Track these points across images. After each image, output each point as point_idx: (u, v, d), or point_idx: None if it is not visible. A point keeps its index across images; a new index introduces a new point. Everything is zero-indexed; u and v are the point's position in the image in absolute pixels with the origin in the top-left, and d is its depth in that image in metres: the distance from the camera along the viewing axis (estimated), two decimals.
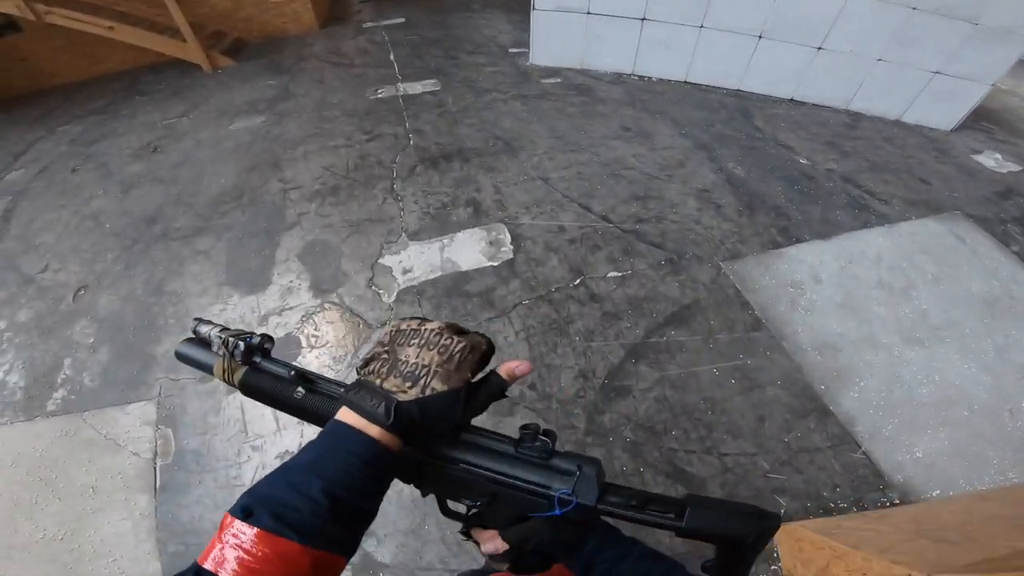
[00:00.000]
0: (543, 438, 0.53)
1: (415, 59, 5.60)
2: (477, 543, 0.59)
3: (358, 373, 0.55)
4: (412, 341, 0.53)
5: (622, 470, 2.03)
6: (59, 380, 2.56)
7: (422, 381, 0.50)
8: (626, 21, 4.77)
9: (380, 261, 2.97)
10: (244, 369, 0.60)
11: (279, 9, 6.62)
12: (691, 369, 2.37)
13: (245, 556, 0.37)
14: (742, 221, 3.22)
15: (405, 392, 0.49)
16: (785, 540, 1.76)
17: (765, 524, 0.45)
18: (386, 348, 0.54)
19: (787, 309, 2.63)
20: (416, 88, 4.92)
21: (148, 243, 3.29)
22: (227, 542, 0.38)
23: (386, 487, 0.49)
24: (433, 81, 5.03)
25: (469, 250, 3.02)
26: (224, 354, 0.60)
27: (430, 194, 3.46)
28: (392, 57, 5.70)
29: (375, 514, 0.47)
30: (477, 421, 0.55)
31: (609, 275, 2.86)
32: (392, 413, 0.47)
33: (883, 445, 2.12)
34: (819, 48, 4.52)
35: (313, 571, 0.39)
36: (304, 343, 2.60)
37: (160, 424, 2.33)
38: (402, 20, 6.91)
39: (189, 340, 0.66)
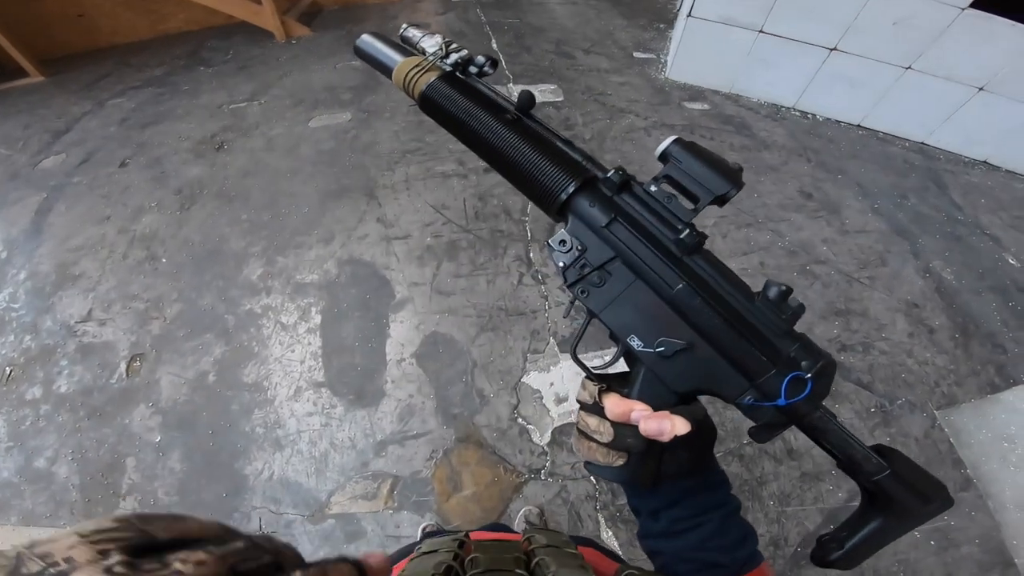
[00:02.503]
0: (795, 301, 0.42)
1: (523, 52, 4.67)
2: (599, 412, 0.44)
3: None
4: None
5: None
6: (124, 486, 1.98)
7: None
8: (808, 48, 3.82)
9: (525, 380, 2.24)
10: (436, 75, 0.51)
11: None
12: None
13: None
14: (957, 354, 2.55)
15: None
16: None
17: (945, 503, 0.42)
18: None
19: (998, 466, 2.27)
20: (534, 95, 4.04)
21: (214, 299, 2.57)
22: None
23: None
24: (552, 87, 4.14)
25: None
26: (435, 54, 0.51)
27: None
28: (495, 45, 4.79)
29: None
30: None
31: None
32: None
33: None
34: None
35: None
36: (437, 488, 1.95)
37: None
38: None
39: (375, 33, 0.57)
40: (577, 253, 0.47)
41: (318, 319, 2.48)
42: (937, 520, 1.95)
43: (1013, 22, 3.39)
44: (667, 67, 4.43)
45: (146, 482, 2.00)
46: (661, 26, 5.30)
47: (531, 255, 2.73)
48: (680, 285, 0.43)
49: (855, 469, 0.44)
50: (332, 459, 2.03)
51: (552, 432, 2.08)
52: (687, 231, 0.44)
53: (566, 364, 2.29)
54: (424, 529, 1.83)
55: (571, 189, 0.47)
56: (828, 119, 4.14)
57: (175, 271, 2.73)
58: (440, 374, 2.28)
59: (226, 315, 2.51)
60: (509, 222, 2.91)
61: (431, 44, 0.52)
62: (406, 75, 0.53)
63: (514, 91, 4.07)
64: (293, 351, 2.36)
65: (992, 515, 2.10)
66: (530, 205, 3.04)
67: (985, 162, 4.01)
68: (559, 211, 0.49)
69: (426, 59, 0.53)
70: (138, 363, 2.35)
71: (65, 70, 4.82)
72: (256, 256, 2.79)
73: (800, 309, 0.43)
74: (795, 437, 2.16)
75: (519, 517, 1.89)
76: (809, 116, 4.15)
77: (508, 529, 0.68)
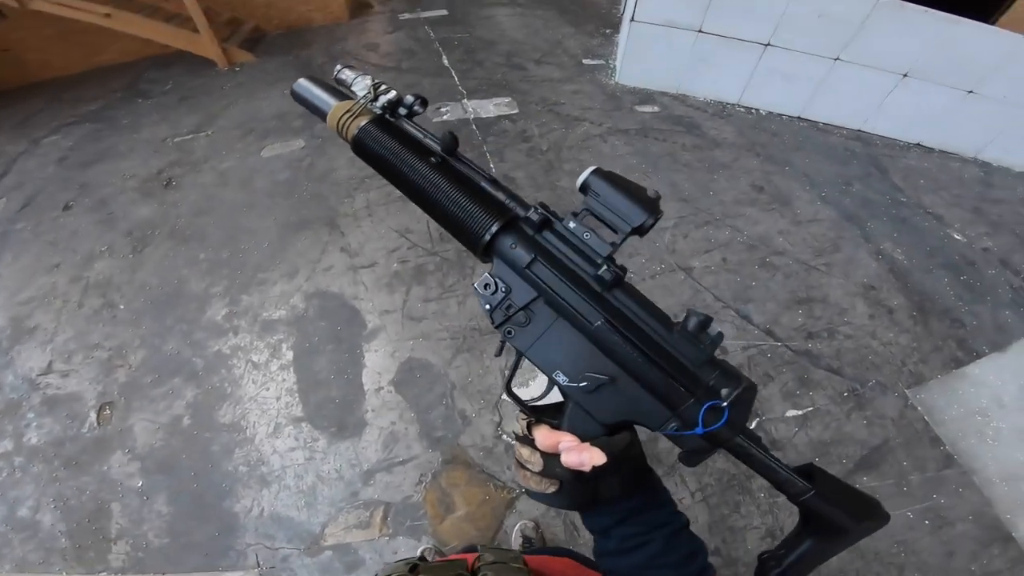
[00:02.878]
0: (712, 333, 0.43)
1: (475, 67, 4.70)
2: (530, 443, 0.47)
3: None
4: None
5: None
6: (113, 531, 1.95)
7: None
8: (745, 45, 3.99)
9: (505, 397, 2.24)
10: (367, 119, 0.53)
11: None
12: None
13: None
14: (918, 331, 2.68)
15: None
16: None
17: (880, 519, 0.44)
18: None
19: (976, 441, 2.35)
20: (488, 109, 4.05)
21: (179, 343, 2.49)
22: None
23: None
24: (507, 100, 4.17)
25: None
26: (365, 97, 0.53)
27: None
28: (446, 62, 4.79)
29: None
30: None
31: (788, 415, 2.28)
32: None
33: None
34: (969, 92, 3.89)
35: None
36: (430, 512, 1.95)
37: None
38: (444, 13, 5.94)
39: (311, 78, 0.59)
40: (502, 295, 0.48)
41: (290, 355, 2.43)
42: (925, 500, 2.08)
43: (925, 8, 3.63)
44: (616, 72, 4.54)
45: (134, 526, 1.95)
46: (607, 31, 5.42)
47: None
48: (599, 321, 0.44)
49: (782, 490, 0.46)
50: (321, 491, 2.01)
51: None
52: (605, 267, 0.45)
53: (543, 376, 2.31)
54: (422, 553, 1.82)
55: (493, 230, 0.48)
56: (771, 113, 4.32)
57: (135, 317, 2.62)
58: (420, 399, 2.27)
59: (194, 358, 2.44)
60: None
61: (361, 87, 0.53)
62: (339, 120, 0.54)
63: (469, 107, 4.10)
64: (267, 389, 2.31)
65: (980, 491, 2.17)
66: None
67: (919, 144, 4.26)
68: (484, 252, 0.50)
69: (357, 103, 0.54)
70: (108, 411, 2.27)
71: None
72: (219, 296, 2.70)
73: (719, 337, 0.44)
74: (775, 428, 2.23)
75: (515, 532, 1.89)
76: (753, 111, 4.31)
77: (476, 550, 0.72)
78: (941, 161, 4.11)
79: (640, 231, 0.44)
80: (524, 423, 0.50)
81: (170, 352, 2.46)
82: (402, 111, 0.53)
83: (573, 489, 0.46)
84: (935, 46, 3.70)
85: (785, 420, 2.26)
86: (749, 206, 3.27)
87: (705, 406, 0.42)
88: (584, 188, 0.45)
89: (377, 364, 2.37)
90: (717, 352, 0.44)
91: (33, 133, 4.21)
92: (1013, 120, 3.94)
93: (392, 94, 0.53)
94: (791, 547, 0.47)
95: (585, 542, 1.89)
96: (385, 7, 6.24)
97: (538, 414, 0.50)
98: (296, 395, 2.29)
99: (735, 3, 3.84)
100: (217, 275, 2.80)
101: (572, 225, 0.46)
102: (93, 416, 2.25)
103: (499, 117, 3.98)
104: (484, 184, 0.51)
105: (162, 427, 2.20)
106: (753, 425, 2.22)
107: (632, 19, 4.04)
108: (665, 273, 2.77)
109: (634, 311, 0.45)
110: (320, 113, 0.56)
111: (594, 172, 0.45)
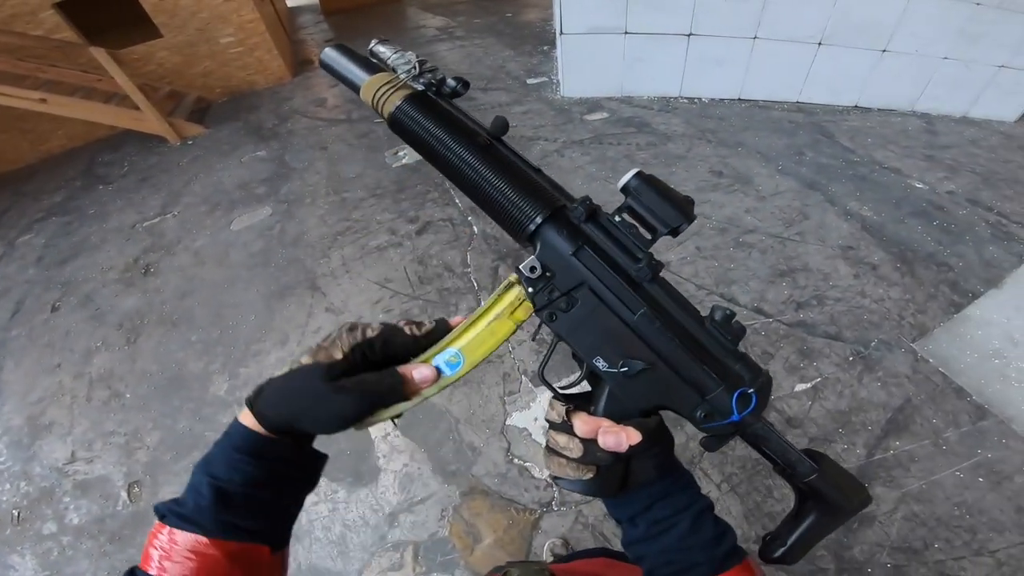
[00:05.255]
0: (741, 324, 0.46)
1: None
2: (567, 430, 0.48)
3: None
4: None
5: None
6: None
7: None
8: (670, 38, 4.19)
9: (509, 422, 2.30)
10: (407, 93, 0.50)
11: (241, 60, 5.68)
12: (931, 479, 2.04)
13: (162, 552, 0.42)
14: (907, 283, 2.77)
15: None
16: None
17: (867, 501, 0.48)
18: None
19: (1002, 386, 2.29)
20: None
21: (190, 420, 2.51)
22: (151, 543, 0.43)
23: (284, 473, 0.47)
24: None
25: None
26: (408, 72, 0.50)
27: None
28: None
29: (288, 500, 0.48)
30: None
31: (797, 389, 2.31)
32: (255, 393, 0.46)
33: None
34: (883, 51, 4.16)
35: (230, 561, 0.42)
36: (458, 545, 1.97)
37: None
38: None
39: (340, 46, 0.56)
40: (546, 280, 0.49)
41: None
42: (970, 456, 2.06)
43: None
44: (560, 86, 4.70)
45: None
46: (545, 48, 5.60)
47: (482, 302, 2.80)
48: (642, 310, 0.47)
49: (791, 471, 0.49)
50: (350, 539, 2.03)
51: None
52: (646, 260, 0.47)
53: (543, 397, 2.37)
54: None
55: (539, 220, 0.48)
56: (712, 99, 4.52)
57: (143, 403, 2.64)
58: (427, 438, 2.31)
59: (206, 432, 2.47)
60: (453, 278, 2.99)
61: (403, 62, 0.51)
62: (375, 93, 0.52)
63: None
64: None
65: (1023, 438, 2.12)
66: (470, 256, 3.15)
67: (856, 106, 4.49)
68: (528, 238, 0.50)
69: (397, 77, 0.52)
70: (137, 489, 2.29)
71: None
72: (218, 372, 2.72)
73: (741, 331, 0.47)
74: (787, 406, 2.25)
75: (544, 551, 1.92)
76: (695, 101, 4.50)
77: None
78: (882, 118, 4.32)
79: (675, 232, 0.46)
80: (563, 409, 0.50)
81: (183, 430, 2.49)
82: (445, 91, 0.52)
83: (610, 474, 0.47)
84: (837, 10, 3.94)
85: (796, 396, 2.28)
86: (712, 191, 3.40)
87: (737, 392, 0.46)
88: (626, 189, 0.47)
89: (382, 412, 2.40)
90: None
91: (6, 234, 4.20)
92: (933, 70, 4.20)
93: (437, 72, 0.52)
94: (792, 527, 0.50)
95: (616, 549, 1.92)
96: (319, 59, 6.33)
97: (569, 403, 0.51)
98: None
99: (649, 0, 4.02)
100: (212, 354, 2.82)
101: (617, 219, 0.48)
102: (124, 494, 2.29)
103: None
104: (531, 173, 0.51)
105: None
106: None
107: (562, 32, 4.21)
108: None
109: (670, 303, 0.48)
110: (352, 85, 0.55)
111: (636, 175, 0.47)
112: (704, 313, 0.49)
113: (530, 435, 2.25)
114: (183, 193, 4.22)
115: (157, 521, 0.44)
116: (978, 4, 3.79)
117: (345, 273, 3.13)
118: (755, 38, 4.15)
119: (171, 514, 0.44)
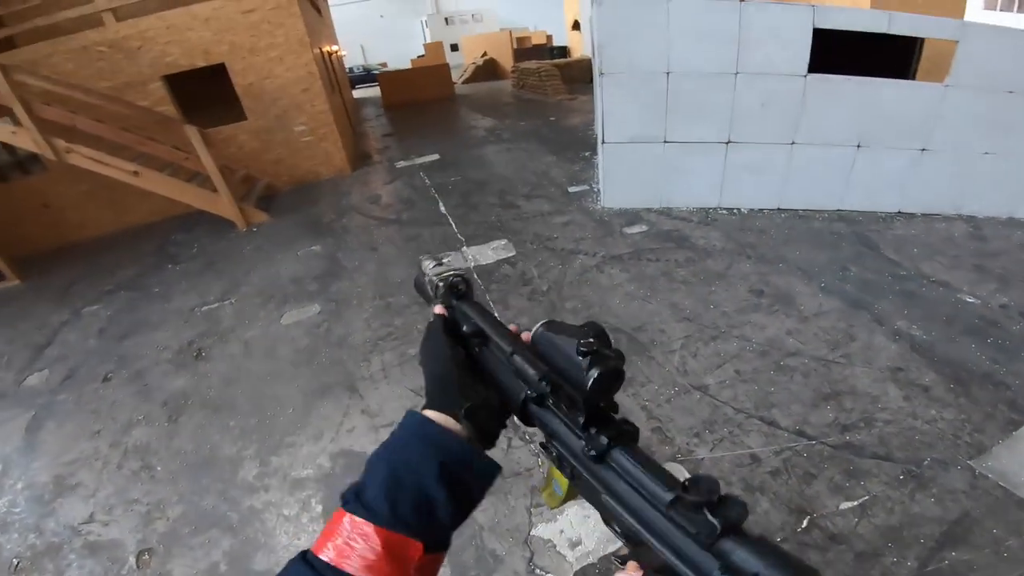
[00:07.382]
0: (712, 519, 0.31)
1: (470, 211, 5.09)
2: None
3: None
4: None
5: None
6: None
7: None
8: (709, 147, 4.35)
9: (534, 533, 2.21)
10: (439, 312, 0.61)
11: (310, 150, 6.26)
12: None
13: (339, 538, 0.42)
14: (962, 403, 2.61)
15: None
16: None
17: None
18: None
19: None
20: (487, 255, 4.33)
21: (215, 500, 2.53)
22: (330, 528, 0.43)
23: (453, 471, 0.46)
24: (503, 243, 4.46)
25: None
26: (436, 291, 0.62)
27: None
28: (443, 209, 5.21)
29: (453, 504, 0.45)
30: None
31: (842, 507, 2.17)
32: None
33: None
34: (923, 150, 4.15)
35: (387, 550, 0.41)
36: None
37: None
38: (436, 157, 6.56)
39: (417, 282, 0.67)
40: (547, 451, 0.49)
41: (319, 508, 2.45)
42: None
43: (847, 77, 3.95)
44: (601, 196, 4.90)
45: None
46: (586, 154, 5.91)
47: (514, 418, 2.78)
48: (600, 494, 0.42)
49: None
50: None
51: None
52: (587, 441, 0.43)
53: (572, 510, 2.27)
54: None
55: (515, 415, 0.53)
56: (751, 210, 4.58)
57: (172, 478, 2.70)
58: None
59: (229, 512, 2.48)
60: None
61: (430, 285, 0.64)
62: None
63: (469, 254, 4.38)
64: (299, 539, 2.31)
65: None
66: None
67: (899, 212, 4.43)
68: (527, 423, 0.52)
69: (435, 298, 0.63)
70: (147, 556, 2.30)
71: (40, 273, 5.00)
72: (250, 458, 2.78)
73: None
74: (831, 523, 2.11)
75: None
76: (735, 212, 4.58)
77: None
78: (926, 224, 4.25)
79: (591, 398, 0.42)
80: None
81: (207, 507, 2.51)
82: (461, 289, 0.62)
83: None
84: (872, 111, 3.99)
85: (841, 513, 2.14)
86: (752, 312, 3.37)
87: None
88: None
89: None
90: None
91: (74, 303, 4.55)
92: (973, 168, 4.12)
93: (448, 277, 0.62)
94: None
95: None
96: (383, 156, 6.89)
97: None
98: None
99: (688, 109, 4.22)
100: (247, 440, 2.89)
101: (551, 401, 0.47)
102: (132, 560, 2.30)
103: (499, 262, 4.24)
104: (503, 366, 0.53)
105: (200, 572, 2.21)
106: (804, 524, 2.12)
107: (603, 141, 4.45)
108: (680, 395, 2.80)
109: (624, 488, 0.40)
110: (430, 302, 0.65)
111: (545, 323, 0.51)
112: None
113: (555, 546, 2.17)
114: (242, 282, 4.52)
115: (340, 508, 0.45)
116: (1011, 93, 3.78)
117: (384, 378, 3.20)
118: (793, 143, 4.25)
119: (352, 498, 0.44)
